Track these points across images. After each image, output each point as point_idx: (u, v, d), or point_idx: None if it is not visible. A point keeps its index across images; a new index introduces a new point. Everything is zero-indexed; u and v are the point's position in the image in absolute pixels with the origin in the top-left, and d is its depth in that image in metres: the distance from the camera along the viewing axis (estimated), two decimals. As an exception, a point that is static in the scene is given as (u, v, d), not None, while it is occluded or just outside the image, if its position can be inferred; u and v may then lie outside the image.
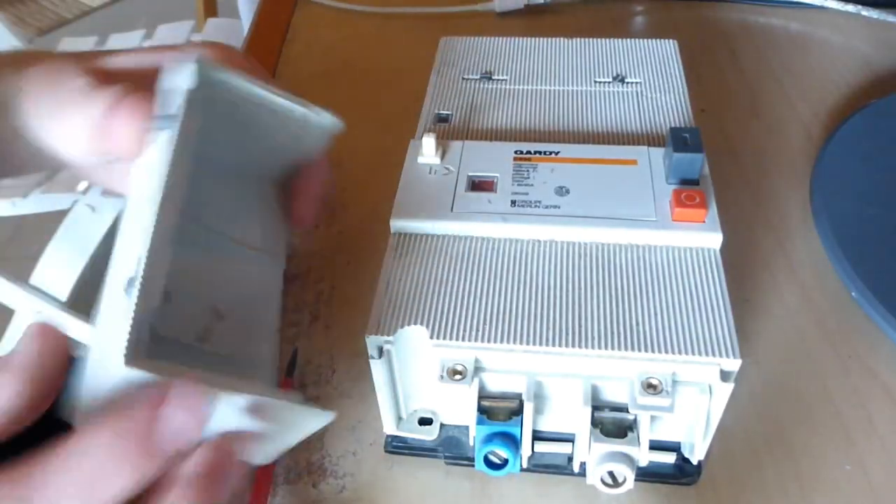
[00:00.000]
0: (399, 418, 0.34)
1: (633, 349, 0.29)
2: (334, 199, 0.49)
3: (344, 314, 0.41)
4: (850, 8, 0.61)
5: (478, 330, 0.30)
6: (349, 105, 0.56)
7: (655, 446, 0.31)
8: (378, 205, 0.48)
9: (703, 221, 0.33)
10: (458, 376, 0.30)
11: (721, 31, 0.61)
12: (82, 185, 1.08)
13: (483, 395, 0.31)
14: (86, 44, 1.41)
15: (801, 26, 0.61)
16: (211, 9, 1.27)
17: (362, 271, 0.44)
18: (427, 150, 0.37)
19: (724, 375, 0.29)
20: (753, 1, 0.63)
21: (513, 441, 0.31)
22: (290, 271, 0.44)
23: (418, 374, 0.32)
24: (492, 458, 0.31)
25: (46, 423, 0.24)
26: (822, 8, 0.62)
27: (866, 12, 0.61)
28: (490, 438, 0.31)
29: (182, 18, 1.25)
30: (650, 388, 0.29)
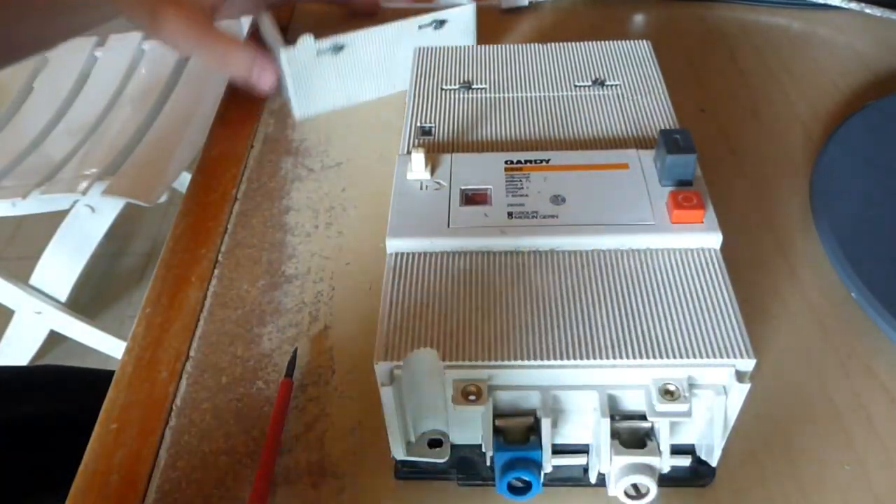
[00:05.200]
0: (408, 442, 0.33)
1: (647, 356, 0.29)
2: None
3: (344, 314, 0.41)
4: (854, 6, 0.61)
5: (489, 348, 0.29)
6: (348, 106, 0.57)
7: (671, 451, 0.31)
8: (377, 205, 0.48)
9: (702, 222, 0.33)
10: (471, 397, 0.29)
11: (721, 31, 0.61)
12: (82, 186, 1.08)
13: (496, 413, 0.30)
14: (86, 43, 1.41)
15: (801, 26, 0.61)
16: (211, 9, 1.27)
17: (362, 271, 0.44)
18: (416, 165, 0.36)
19: (740, 376, 0.29)
20: (753, 1, 0.63)
21: (534, 464, 0.30)
22: (289, 271, 0.44)
23: (428, 397, 0.31)
24: (515, 483, 0.30)
25: None
26: (825, 6, 0.62)
27: (869, 10, 0.61)
28: (511, 464, 0.30)
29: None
30: (667, 394, 0.29)
